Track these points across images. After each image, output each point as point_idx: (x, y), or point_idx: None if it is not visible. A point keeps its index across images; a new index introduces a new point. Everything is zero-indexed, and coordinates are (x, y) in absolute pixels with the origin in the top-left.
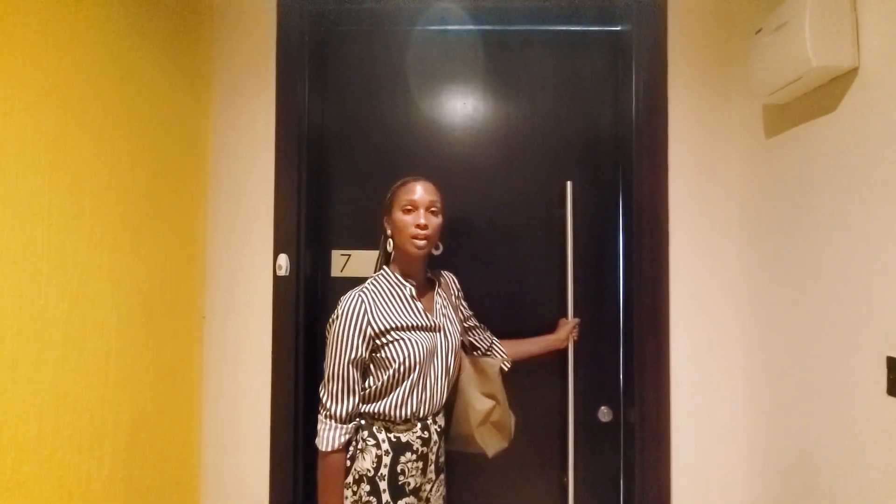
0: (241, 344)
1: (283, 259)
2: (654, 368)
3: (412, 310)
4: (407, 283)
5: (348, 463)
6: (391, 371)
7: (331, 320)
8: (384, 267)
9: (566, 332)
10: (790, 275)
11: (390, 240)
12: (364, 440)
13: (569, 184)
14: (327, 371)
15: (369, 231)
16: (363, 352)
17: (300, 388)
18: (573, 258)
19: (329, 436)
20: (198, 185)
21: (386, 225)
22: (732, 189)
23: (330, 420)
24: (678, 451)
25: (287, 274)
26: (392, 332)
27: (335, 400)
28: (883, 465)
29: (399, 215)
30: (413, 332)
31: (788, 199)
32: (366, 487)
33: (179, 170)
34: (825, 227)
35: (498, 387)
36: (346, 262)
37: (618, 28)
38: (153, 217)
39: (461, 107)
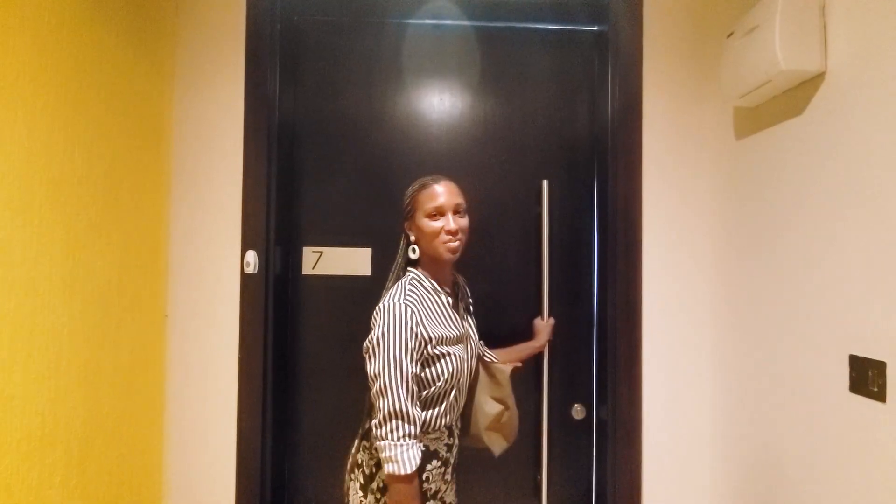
0: (206, 343)
1: (250, 255)
2: (627, 367)
3: (452, 319)
4: (443, 290)
5: (374, 469)
6: (434, 388)
7: (378, 336)
8: (414, 270)
9: (545, 336)
10: (759, 275)
11: (414, 246)
12: None
13: (545, 183)
14: (391, 392)
15: (342, 228)
16: (417, 367)
17: (268, 390)
18: (549, 257)
19: (411, 454)
20: (160, 177)
21: (408, 231)
22: (704, 190)
23: (408, 438)
24: (649, 446)
25: (255, 271)
26: (439, 346)
27: (407, 420)
28: (844, 459)
29: (426, 222)
30: (455, 344)
31: (757, 199)
32: None
33: (140, 160)
34: (792, 228)
35: (508, 392)
36: (318, 259)
37: (595, 28)
38: (111, 209)
39: (438, 102)
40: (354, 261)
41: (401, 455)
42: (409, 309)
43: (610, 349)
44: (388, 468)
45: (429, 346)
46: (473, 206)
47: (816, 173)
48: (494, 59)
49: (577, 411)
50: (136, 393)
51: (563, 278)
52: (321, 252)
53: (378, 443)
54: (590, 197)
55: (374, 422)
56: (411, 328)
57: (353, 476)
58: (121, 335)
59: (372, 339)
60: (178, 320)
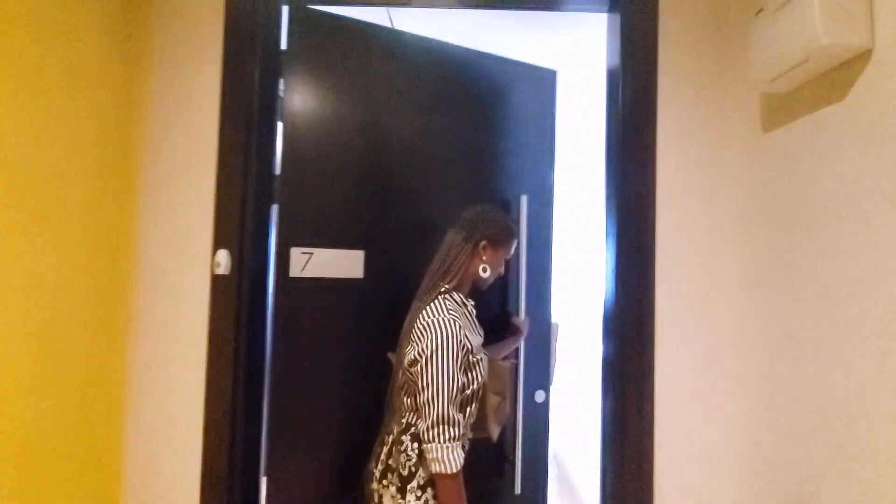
0: (174, 351)
1: (222, 255)
2: (637, 381)
3: (477, 327)
4: (468, 302)
5: (413, 469)
6: (468, 391)
7: (431, 350)
8: (446, 287)
9: (522, 332)
10: (791, 282)
11: (486, 266)
12: None
13: (523, 198)
14: (440, 400)
15: (334, 228)
16: (462, 375)
17: (239, 402)
18: (527, 264)
19: (455, 455)
20: (127, 166)
21: (482, 250)
22: (727, 187)
23: (452, 441)
24: (662, 477)
25: (227, 272)
26: (477, 354)
27: (452, 424)
28: None
29: (500, 261)
30: (482, 351)
31: (790, 200)
32: (431, 492)
33: (105, 146)
34: (831, 229)
35: (506, 385)
36: (308, 261)
37: (605, 12)
38: (68, 200)
39: (434, 103)
40: (346, 263)
41: (447, 456)
42: (456, 323)
43: (618, 359)
44: (435, 467)
45: (469, 355)
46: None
47: (861, 167)
48: (487, 79)
49: (540, 395)
50: (93, 404)
51: (530, 282)
52: (311, 253)
53: (426, 445)
54: (600, 196)
55: (424, 426)
56: (459, 340)
57: (385, 483)
58: (76, 340)
59: (425, 351)
60: (144, 325)
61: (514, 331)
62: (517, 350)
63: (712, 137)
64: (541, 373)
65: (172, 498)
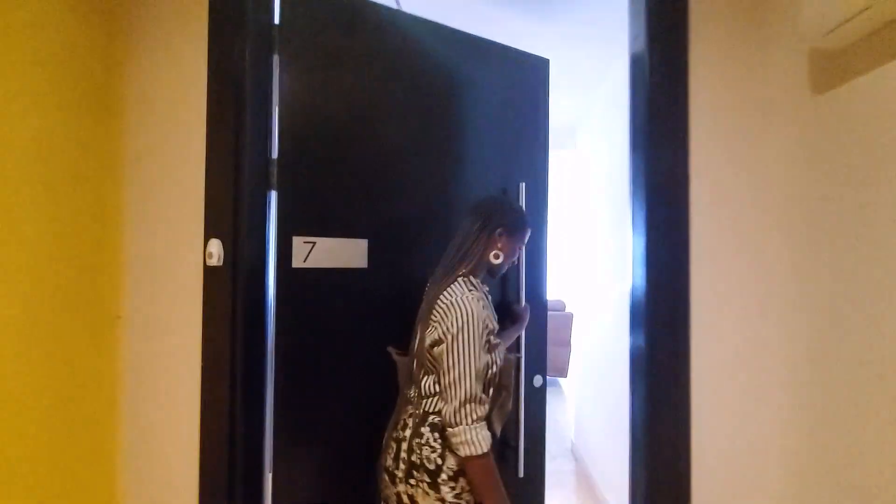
0: (167, 347)
1: (214, 245)
2: (671, 374)
3: (494, 313)
4: (483, 287)
5: (439, 461)
6: (489, 374)
7: (456, 329)
8: (464, 271)
9: (524, 319)
10: (853, 263)
11: (499, 252)
12: None
13: (522, 185)
14: (466, 380)
15: (337, 217)
16: (486, 356)
17: (238, 398)
18: (525, 252)
19: (484, 434)
20: (110, 150)
21: (498, 238)
22: (771, 158)
23: (480, 421)
24: (700, 481)
25: (220, 264)
26: (497, 336)
27: (480, 402)
28: None
29: (515, 249)
30: (499, 336)
31: (847, 167)
32: (464, 481)
33: (84, 130)
34: None
35: (510, 379)
36: (311, 250)
37: None
38: (45, 188)
39: (436, 92)
40: (350, 253)
41: (476, 436)
42: (481, 303)
43: (647, 355)
44: (465, 450)
45: (491, 336)
46: (469, 199)
47: None
48: (484, 63)
49: (538, 380)
50: (81, 408)
51: (530, 269)
52: (314, 243)
53: (451, 429)
54: (627, 172)
55: (451, 409)
56: (483, 320)
57: (413, 482)
58: (59, 342)
59: (450, 329)
60: (133, 322)
61: (515, 318)
62: (518, 339)
63: (752, 103)
64: (538, 357)
65: (171, 497)
